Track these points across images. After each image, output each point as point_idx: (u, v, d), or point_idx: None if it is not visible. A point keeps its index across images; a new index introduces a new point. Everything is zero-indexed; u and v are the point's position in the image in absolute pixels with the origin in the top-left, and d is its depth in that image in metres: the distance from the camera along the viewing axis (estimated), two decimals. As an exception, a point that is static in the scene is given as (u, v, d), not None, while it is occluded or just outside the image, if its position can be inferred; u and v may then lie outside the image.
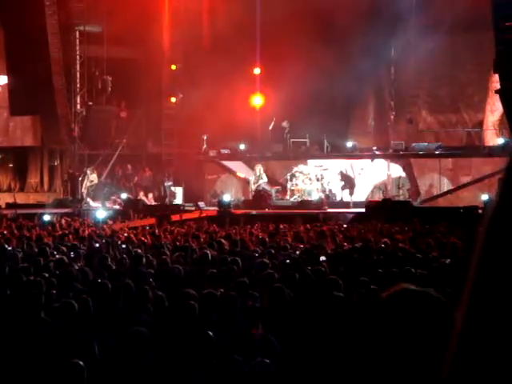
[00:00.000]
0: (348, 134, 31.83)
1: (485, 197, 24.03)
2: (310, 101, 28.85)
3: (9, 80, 33.58)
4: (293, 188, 28.98)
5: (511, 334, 1.04)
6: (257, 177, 29.19)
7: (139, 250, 12.97)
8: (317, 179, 28.90)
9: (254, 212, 25.92)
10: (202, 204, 28.45)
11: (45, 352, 6.73)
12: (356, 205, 27.19)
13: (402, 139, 30.10)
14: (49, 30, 31.59)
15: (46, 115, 32.87)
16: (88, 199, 30.15)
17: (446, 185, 28.73)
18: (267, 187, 29.32)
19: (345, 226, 20.69)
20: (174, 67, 33.52)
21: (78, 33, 32.54)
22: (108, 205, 29.31)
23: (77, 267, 10.91)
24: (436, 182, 28.92)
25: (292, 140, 30.55)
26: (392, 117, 31.32)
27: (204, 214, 25.23)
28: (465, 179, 28.05)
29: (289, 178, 29.16)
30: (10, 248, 13.61)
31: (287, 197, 29.01)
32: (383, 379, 1.97)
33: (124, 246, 14.87)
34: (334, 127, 30.21)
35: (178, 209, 27.40)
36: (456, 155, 28.67)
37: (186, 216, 24.97)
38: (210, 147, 31.65)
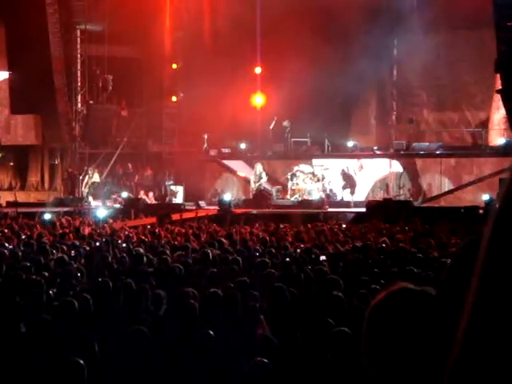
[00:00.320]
0: (349, 134, 31.82)
1: (486, 197, 24.01)
2: (311, 100, 28.83)
3: (10, 78, 33.58)
4: (293, 187, 28.96)
5: None
6: (257, 176, 29.16)
7: (140, 249, 12.96)
8: (317, 180, 28.88)
9: (254, 211, 25.91)
10: (202, 203, 28.46)
11: (45, 350, 6.72)
12: (357, 204, 27.19)
13: (404, 139, 30.08)
14: (50, 29, 31.61)
15: (46, 114, 32.88)
16: (89, 198, 30.16)
17: (447, 185, 28.71)
18: (268, 186, 29.32)
19: (344, 225, 20.67)
20: (174, 66, 33.52)
21: (78, 31, 32.55)
22: (108, 204, 29.31)
23: (77, 266, 10.90)
24: (437, 182, 28.90)
25: (293, 139, 30.54)
26: (394, 116, 31.30)
27: (199, 214, 25.17)
28: (467, 178, 28.02)
29: (289, 177, 29.14)
30: (10, 247, 13.60)
31: (288, 196, 29.00)
32: (384, 380, 1.96)
33: (124, 244, 14.87)
34: (335, 127, 30.19)
35: (178, 208, 27.38)
36: (457, 155, 28.64)
37: (186, 215, 24.95)
38: (210, 146, 31.64)
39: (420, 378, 1.90)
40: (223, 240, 14.45)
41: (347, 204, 27.78)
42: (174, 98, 33.59)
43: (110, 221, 22.36)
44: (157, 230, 18.14)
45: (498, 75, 24.08)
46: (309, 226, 19.68)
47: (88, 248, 13.71)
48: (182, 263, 10.75)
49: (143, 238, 16.03)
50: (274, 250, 12.79)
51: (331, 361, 6.04)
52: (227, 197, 27.92)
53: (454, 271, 1.75)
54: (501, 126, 29.11)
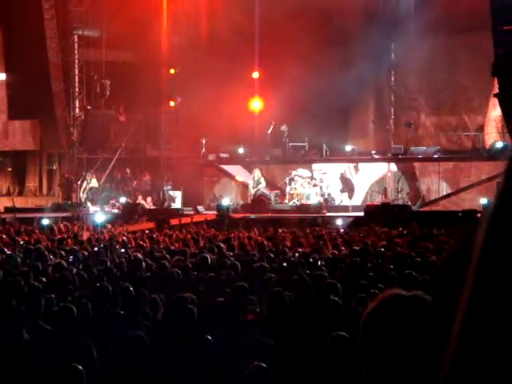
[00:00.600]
0: (347, 138, 31.83)
1: (484, 200, 24.03)
2: (309, 104, 28.84)
3: (8, 84, 33.57)
4: (292, 192, 28.97)
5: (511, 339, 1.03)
6: (255, 181, 29.17)
7: (138, 254, 12.95)
8: (314, 184, 28.89)
9: (252, 216, 25.92)
10: (201, 208, 28.46)
11: (44, 356, 6.72)
12: (355, 208, 27.19)
13: (402, 143, 30.09)
14: (47, 34, 31.61)
15: (44, 119, 32.88)
16: (87, 203, 30.15)
17: (445, 188, 28.72)
18: (266, 191, 29.32)
19: (342, 230, 20.67)
20: (172, 71, 33.53)
21: (76, 37, 32.56)
22: (107, 209, 29.31)
23: (75, 271, 10.89)
24: (435, 186, 28.91)
25: (291, 144, 30.56)
26: (391, 120, 31.32)
27: (195, 219, 25.17)
28: (465, 182, 28.02)
29: (288, 181, 29.16)
30: (8, 252, 13.58)
31: (286, 201, 29.00)
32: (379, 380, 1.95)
33: (123, 250, 14.86)
34: (333, 131, 30.20)
35: (176, 213, 27.39)
36: (455, 159, 28.66)
37: (185, 220, 24.95)
38: (208, 151, 31.65)
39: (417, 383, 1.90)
40: (222, 245, 14.44)
41: (345, 208, 27.78)
42: (171, 103, 33.60)
43: (109, 226, 22.35)
44: (155, 235, 18.14)
45: (495, 79, 24.10)
46: (307, 230, 19.68)
47: (86, 253, 13.70)
48: (181, 268, 10.75)
49: (141, 243, 16.03)
50: (272, 255, 12.79)
51: (330, 365, 6.03)
52: (225, 202, 27.93)
53: (439, 284, 1.75)
54: (498, 130, 29.13)
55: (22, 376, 6.48)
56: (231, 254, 13.24)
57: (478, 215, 22.45)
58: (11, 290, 8.57)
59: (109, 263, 12.28)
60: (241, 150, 31.84)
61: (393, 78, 31.30)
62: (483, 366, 1.03)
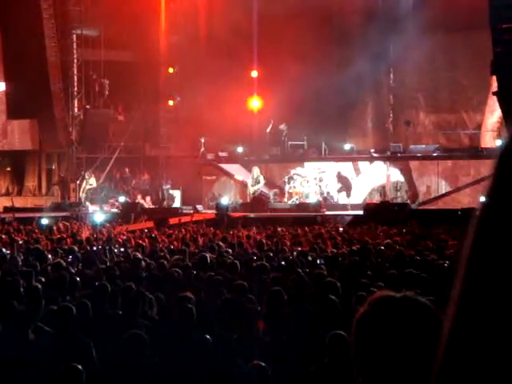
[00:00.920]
0: (346, 137, 31.83)
1: (483, 199, 23.99)
2: (308, 103, 28.86)
3: (6, 84, 33.55)
4: (291, 191, 28.96)
5: (503, 339, 1.02)
6: (254, 179, 29.15)
7: (137, 254, 12.95)
8: (315, 184, 28.90)
9: (252, 215, 25.91)
10: (200, 207, 28.46)
11: (43, 356, 6.71)
12: (354, 207, 27.19)
13: (401, 141, 30.10)
14: (46, 34, 31.57)
15: (43, 119, 32.83)
16: (86, 203, 30.14)
17: (444, 187, 28.71)
18: (265, 190, 29.32)
19: (341, 229, 20.66)
20: (171, 70, 33.53)
21: (75, 36, 32.53)
22: (106, 208, 29.30)
23: (74, 271, 10.88)
24: (434, 184, 28.91)
25: (290, 143, 30.56)
26: (390, 119, 31.32)
27: (195, 218, 25.16)
28: (464, 180, 28.01)
29: (287, 180, 29.15)
30: (7, 252, 13.58)
31: (285, 199, 29.00)
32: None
33: (122, 249, 14.86)
34: (332, 130, 30.21)
35: (176, 212, 27.38)
36: (454, 157, 28.65)
37: (184, 219, 24.94)
38: (207, 150, 31.64)
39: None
40: (221, 244, 14.44)
41: (344, 207, 27.78)
42: (170, 102, 33.60)
43: (108, 225, 22.35)
44: (154, 234, 18.14)
45: (494, 77, 24.10)
46: (306, 229, 19.68)
47: (85, 253, 13.70)
48: (180, 267, 10.75)
49: (141, 242, 16.02)
50: (271, 254, 12.79)
51: (328, 364, 6.03)
52: (225, 201, 27.93)
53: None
54: (494, 130, 29.17)
55: (21, 376, 6.48)
56: (230, 252, 13.23)
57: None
58: (10, 291, 8.57)
59: (108, 262, 12.28)
60: (240, 149, 31.84)
61: (392, 77, 31.31)
62: (474, 364, 1.02)
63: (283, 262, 11.81)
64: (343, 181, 28.94)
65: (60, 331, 7.07)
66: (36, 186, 35.19)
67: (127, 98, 32.98)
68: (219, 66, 29.43)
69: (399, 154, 29.19)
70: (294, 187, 28.96)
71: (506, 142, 1.08)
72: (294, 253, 13.44)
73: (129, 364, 6.45)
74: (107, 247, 14.51)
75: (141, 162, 34.06)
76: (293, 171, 29.42)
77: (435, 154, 28.52)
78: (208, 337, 6.60)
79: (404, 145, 29.59)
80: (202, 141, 31.32)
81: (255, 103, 32.27)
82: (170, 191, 31.55)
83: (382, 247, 13.92)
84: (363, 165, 30.01)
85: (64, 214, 27.02)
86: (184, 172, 31.60)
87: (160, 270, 10.90)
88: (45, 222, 23.05)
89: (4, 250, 13.87)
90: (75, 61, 32.50)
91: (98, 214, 26.30)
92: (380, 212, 23.92)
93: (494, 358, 1.01)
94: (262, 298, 8.22)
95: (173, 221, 24.50)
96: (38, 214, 25.60)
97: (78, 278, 9.74)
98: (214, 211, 27.03)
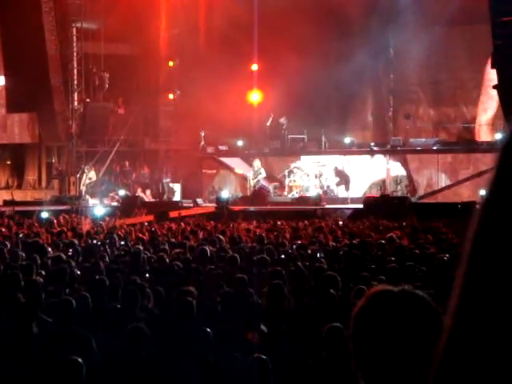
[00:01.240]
0: (346, 130, 31.82)
1: (483, 192, 23.96)
2: (307, 97, 28.83)
3: (6, 77, 33.51)
4: (291, 184, 28.96)
5: (503, 334, 1.02)
6: (255, 172, 29.16)
7: (138, 247, 12.95)
8: (315, 176, 28.89)
9: (252, 208, 25.91)
10: (200, 200, 28.46)
11: (43, 349, 6.72)
12: (354, 200, 27.19)
13: (401, 135, 30.09)
14: (46, 27, 31.51)
15: (43, 112, 32.79)
16: (87, 196, 30.14)
17: (444, 180, 28.71)
18: (265, 183, 29.31)
19: (340, 222, 20.64)
20: (171, 63, 33.48)
21: (74, 29, 32.46)
22: (106, 202, 29.30)
23: (74, 264, 10.89)
24: (434, 178, 28.91)
25: (290, 136, 30.54)
26: (390, 112, 31.31)
27: (195, 212, 25.15)
28: (464, 173, 28.01)
29: (287, 174, 29.14)
30: (8, 245, 13.57)
31: (285, 193, 29.00)
32: (374, 379, 1.94)
33: (122, 242, 14.86)
34: (332, 123, 30.20)
35: (176, 205, 27.37)
36: (454, 151, 28.65)
37: (184, 213, 24.94)
38: (207, 144, 31.63)
39: (410, 379, 1.89)
40: (221, 237, 14.44)
41: (344, 200, 27.78)
42: (170, 96, 33.56)
43: (107, 219, 22.35)
44: (154, 228, 18.14)
45: (488, 73, 24.11)
46: (306, 222, 19.68)
47: (85, 246, 13.70)
48: (180, 260, 10.76)
49: (141, 235, 16.02)
50: (271, 247, 12.79)
51: (326, 357, 6.04)
52: (225, 194, 27.93)
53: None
54: (489, 124, 29.19)
55: (21, 369, 6.49)
56: (230, 246, 13.24)
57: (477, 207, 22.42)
58: (11, 284, 8.58)
59: (108, 256, 12.29)
60: (240, 143, 31.83)
61: (391, 71, 31.28)
62: (475, 360, 1.02)
63: (283, 256, 11.82)
64: (340, 175, 28.95)
65: (60, 324, 7.07)
66: (36, 180, 35.18)
67: (127, 92, 32.94)
68: (219, 60, 29.40)
69: (399, 148, 29.18)
70: (294, 181, 28.96)
71: (508, 135, 1.08)
72: (294, 246, 13.44)
73: (129, 357, 6.46)
74: (107, 241, 14.51)
75: (141, 156, 34.05)
76: (293, 165, 29.41)
77: (435, 148, 28.52)
78: (208, 330, 6.61)
79: (404, 138, 29.59)
80: (202, 134, 31.30)
81: (255, 97, 32.22)
82: (170, 185, 31.55)
83: (383, 241, 13.92)
84: (363, 158, 29.98)
85: (64, 207, 27.02)
86: (184, 165, 31.60)
87: (160, 263, 10.92)
88: (45, 215, 23.04)
89: (6, 242, 13.86)
90: (75, 54, 32.44)
91: (98, 208, 26.30)
92: (380, 205, 23.91)
93: (495, 355, 1.01)
94: (262, 291, 8.24)
95: (173, 214, 24.50)
96: (38, 208, 25.60)
97: (78, 272, 9.75)
98: (214, 205, 27.03)
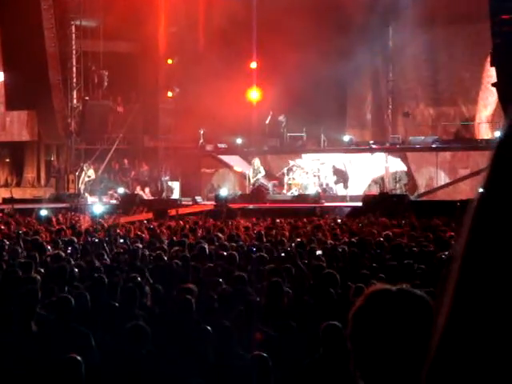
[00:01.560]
0: (345, 128, 31.82)
1: (480, 190, 23.97)
2: (306, 95, 28.81)
3: (5, 75, 33.49)
4: (290, 182, 28.94)
5: (497, 333, 1.02)
6: (255, 170, 29.15)
7: (136, 245, 12.95)
8: (313, 175, 28.88)
9: (251, 206, 25.91)
10: (199, 198, 28.46)
11: (42, 347, 6.72)
12: (353, 198, 27.19)
13: (400, 133, 30.09)
14: (45, 25, 31.49)
15: (42, 110, 32.79)
16: (86, 194, 30.12)
17: (443, 178, 28.72)
18: (264, 181, 29.31)
19: (339, 220, 20.63)
20: (170, 61, 33.46)
21: (73, 27, 32.44)
22: (105, 199, 29.30)
23: (73, 262, 10.88)
24: (433, 176, 28.91)
25: (289, 134, 30.54)
26: (389, 110, 31.31)
27: (194, 209, 25.14)
28: (463, 171, 28.02)
29: (286, 172, 29.13)
30: (7, 243, 13.57)
31: (284, 191, 28.99)
32: (372, 378, 1.94)
33: (121, 240, 14.86)
34: (331, 121, 30.19)
35: (175, 203, 27.37)
36: (453, 149, 28.66)
37: (183, 210, 24.93)
38: (206, 141, 31.63)
39: (408, 378, 1.89)
40: (220, 235, 14.44)
41: (343, 198, 27.78)
42: (169, 94, 33.53)
43: (106, 216, 22.34)
44: (153, 226, 18.14)
45: (487, 71, 24.12)
46: (305, 220, 19.68)
47: (84, 244, 13.69)
48: (179, 258, 10.75)
49: (140, 233, 16.02)
50: (270, 245, 12.78)
51: (323, 356, 6.03)
52: (224, 192, 27.92)
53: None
54: (489, 121, 29.18)
55: (19, 367, 6.49)
56: (229, 244, 13.22)
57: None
58: (9, 281, 8.58)
59: (106, 254, 12.28)
60: (239, 141, 31.82)
61: (391, 69, 31.27)
62: (468, 358, 1.02)
63: (282, 254, 11.81)
64: (339, 173, 28.95)
65: (59, 322, 7.07)
66: (35, 178, 35.16)
67: (126, 89, 32.93)
68: (218, 57, 29.38)
69: (398, 146, 29.19)
70: (293, 179, 28.95)
71: (503, 132, 1.08)
72: (293, 244, 13.43)
73: (128, 355, 6.46)
74: (106, 238, 14.51)
75: (140, 154, 34.03)
76: (292, 163, 29.40)
77: (434, 146, 28.52)
78: (208, 328, 6.61)
79: (403, 136, 29.60)
80: (201, 132, 31.31)
81: (254, 94, 32.22)
82: (169, 183, 31.54)
83: (382, 239, 13.92)
84: (362, 156, 29.97)
85: (63, 205, 27.01)
86: (183, 163, 31.60)
87: (159, 261, 10.91)
88: (44, 213, 23.03)
89: (5, 241, 13.85)
90: (74, 52, 32.41)
91: (97, 206, 26.29)
92: (379, 203, 23.90)
93: (488, 354, 1.01)
94: (261, 289, 8.24)
95: (172, 212, 24.48)
96: (37, 206, 25.58)
97: (76, 270, 9.75)
98: (213, 202, 27.02)
